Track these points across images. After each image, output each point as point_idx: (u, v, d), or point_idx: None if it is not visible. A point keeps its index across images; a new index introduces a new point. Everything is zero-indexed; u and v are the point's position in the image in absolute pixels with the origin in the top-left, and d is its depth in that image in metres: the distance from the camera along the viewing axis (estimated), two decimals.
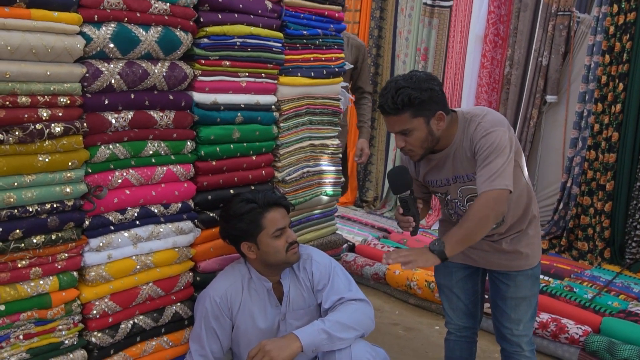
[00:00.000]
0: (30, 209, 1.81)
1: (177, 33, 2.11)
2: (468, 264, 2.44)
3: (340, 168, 2.88)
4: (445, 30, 5.57)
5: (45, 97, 1.80)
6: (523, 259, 2.32)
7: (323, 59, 2.70)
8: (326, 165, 2.81)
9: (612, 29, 4.48)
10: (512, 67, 5.16)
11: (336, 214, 2.99)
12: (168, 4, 2.06)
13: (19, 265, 1.82)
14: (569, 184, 4.86)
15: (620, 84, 4.47)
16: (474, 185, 2.16)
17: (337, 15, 2.72)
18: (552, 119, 5.11)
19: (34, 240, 1.83)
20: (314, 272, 2.31)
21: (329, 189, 2.82)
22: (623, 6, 4.41)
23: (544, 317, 3.38)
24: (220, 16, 2.24)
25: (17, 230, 1.78)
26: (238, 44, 2.31)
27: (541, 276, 4.03)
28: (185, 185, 2.25)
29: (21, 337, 1.87)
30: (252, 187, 2.48)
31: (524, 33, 5.05)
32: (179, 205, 2.23)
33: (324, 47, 2.71)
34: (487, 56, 5.22)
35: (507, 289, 2.36)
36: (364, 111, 4.04)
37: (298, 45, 2.58)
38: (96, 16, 1.89)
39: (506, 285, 2.36)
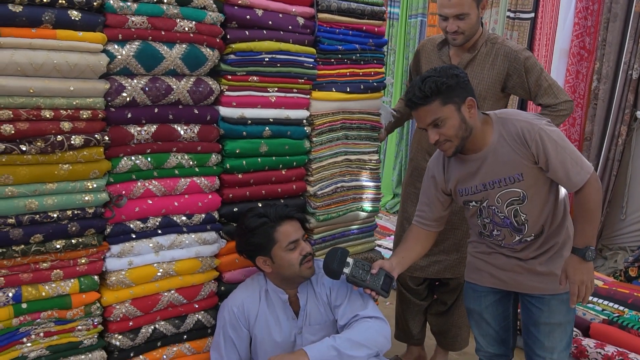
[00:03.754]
0: (52, 215, 1.94)
1: (203, 50, 2.18)
2: (498, 288, 2.31)
3: (380, 184, 2.83)
4: (524, 43, 5.32)
5: (68, 110, 1.92)
6: (557, 282, 2.16)
7: (360, 73, 2.67)
8: (364, 180, 2.77)
9: None
10: (600, 82, 4.84)
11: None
12: (193, 22, 2.14)
13: (41, 267, 1.95)
14: None
15: None
16: (518, 188, 2.11)
17: (376, 29, 2.69)
18: None
19: (55, 245, 1.96)
20: (331, 287, 2.28)
21: (366, 205, 2.78)
22: None
23: (609, 349, 3.11)
24: (247, 33, 2.29)
25: (38, 234, 1.91)
26: (266, 59, 2.35)
27: (616, 305, 3.75)
28: (210, 197, 2.30)
29: (42, 334, 2.00)
30: (282, 201, 2.50)
31: (612, 45, 4.72)
32: (203, 216, 2.29)
33: (362, 62, 2.68)
34: (571, 70, 4.93)
35: (541, 313, 2.21)
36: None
37: (333, 60, 2.57)
38: (120, 35, 1.99)
39: (539, 309, 2.22)
